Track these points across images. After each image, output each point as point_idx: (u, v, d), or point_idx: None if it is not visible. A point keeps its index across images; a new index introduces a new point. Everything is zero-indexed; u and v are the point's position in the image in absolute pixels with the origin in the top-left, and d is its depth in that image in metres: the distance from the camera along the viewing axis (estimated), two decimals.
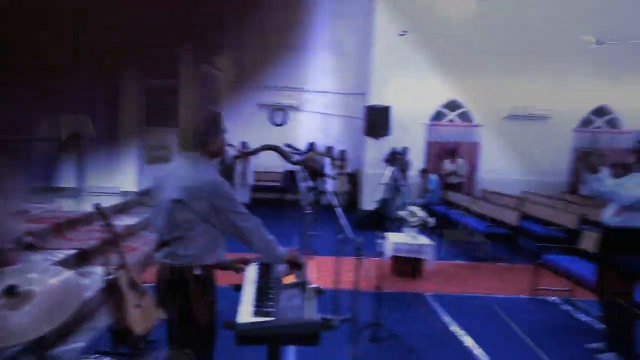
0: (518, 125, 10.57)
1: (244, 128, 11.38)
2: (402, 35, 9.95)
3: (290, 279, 2.17)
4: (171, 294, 2.18)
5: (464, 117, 10.84)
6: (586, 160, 3.75)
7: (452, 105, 10.81)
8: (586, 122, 10.89)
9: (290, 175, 11.41)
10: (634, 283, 3.57)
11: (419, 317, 4.55)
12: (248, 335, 1.70)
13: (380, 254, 5.95)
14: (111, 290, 3.38)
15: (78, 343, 3.65)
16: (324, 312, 3.98)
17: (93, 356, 1.94)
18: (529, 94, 10.40)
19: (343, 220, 3.42)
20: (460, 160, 10.13)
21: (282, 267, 2.41)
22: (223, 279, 2.47)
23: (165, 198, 2.13)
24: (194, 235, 2.12)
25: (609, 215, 3.72)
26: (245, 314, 1.82)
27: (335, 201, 3.99)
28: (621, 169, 4.11)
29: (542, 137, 10.55)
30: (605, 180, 3.66)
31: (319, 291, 2.27)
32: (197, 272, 2.13)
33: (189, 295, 2.14)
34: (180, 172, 2.15)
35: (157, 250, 2.23)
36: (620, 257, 3.56)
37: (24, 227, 5.03)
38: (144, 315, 3.16)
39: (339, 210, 3.70)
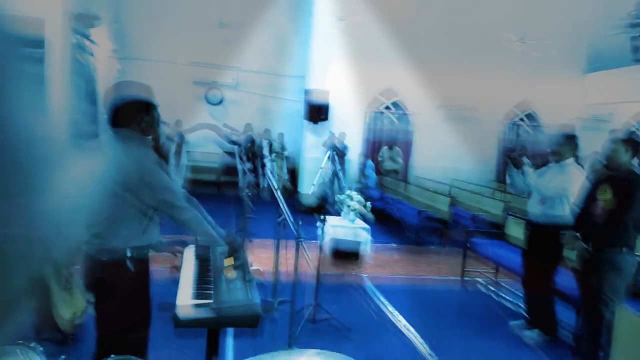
0: (449, 115, 10.99)
1: (179, 106, 10.96)
2: (341, 20, 9.95)
3: (229, 262, 2.12)
4: (100, 278, 2.04)
5: (399, 105, 11.11)
6: (511, 157, 4.08)
7: (389, 93, 11.03)
8: (510, 115, 11.58)
9: (228, 156, 11.16)
10: (554, 268, 3.87)
11: (355, 299, 4.65)
12: (187, 319, 1.64)
13: (319, 237, 6.05)
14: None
15: None
16: (263, 295, 3.96)
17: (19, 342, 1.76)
18: (460, 86, 10.81)
19: (283, 203, 3.40)
20: (397, 148, 10.40)
21: (221, 249, 2.35)
22: (159, 261, 2.37)
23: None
24: (124, 216, 1.99)
25: (532, 205, 4.00)
26: (184, 297, 1.75)
27: (274, 184, 3.95)
28: (539, 161, 4.45)
29: (471, 127, 11.05)
30: (528, 175, 3.98)
31: (258, 273, 2.24)
32: (128, 253, 2.01)
33: (120, 279, 2.01)
34: (112, 150, 2.01)
35: (85, 232, 2.07)
36: (543, 245, 3.85)
37: None
38: (70, 301, 2.98)
39: (278, 193, 3.67)
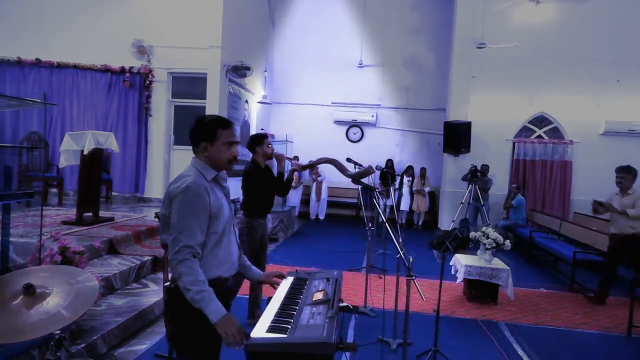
0: (617, 142, 9.53)
1: (321, 145, 11.53)
2: (481, 47, 9.49)
3: (318, 296, 2.08)
4: (174, 310, 2.04)
5: (554, 133, 10.03)
6: None
7: (541, 121, 10.07)
8: None
9: (366, 192, 11.29)
10: None
11: (486, 349, 4.18)
12: (257, 352, 1.63)
13: (452, 276, 5.65)
14: (169, 297, 3.51)
15: (140, 345, 3.80)
16: (380, 334, 3.80)
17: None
18: (627, 107, 9.40)
19: (396, 239, 3.25)
20: None
21: (315, 283, 2.33)
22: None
23: None
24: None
25: None
26: (260, 329, 1.75)
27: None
28: None
29: None
30: None
31: (350, 310, 2.15)
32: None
33: (189, 312, 1.88)
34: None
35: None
36: None
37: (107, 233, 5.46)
38: None
39: (389, 228, 3.53)
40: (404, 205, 11.08)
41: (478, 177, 8.94)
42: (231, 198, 2.27)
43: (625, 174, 5.45)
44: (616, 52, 9.36)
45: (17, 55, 8.28)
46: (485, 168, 9.29)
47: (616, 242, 5.56)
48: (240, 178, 4.25)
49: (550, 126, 10.03)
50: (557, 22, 9.50)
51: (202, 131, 2.06)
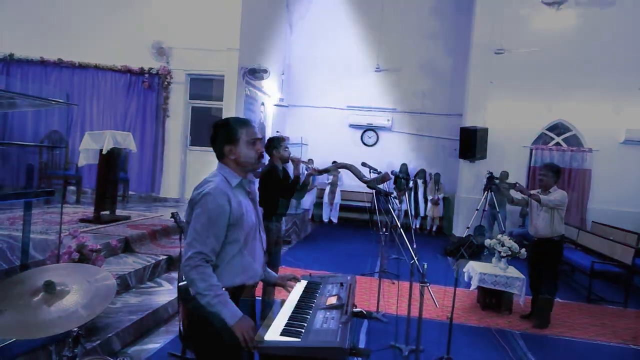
0: (637, 151, 9.35)
1: (336, 149, 11.53)
2: (499, 53, 9.40)
3: (331, 301, 2.08)
4: (191, 317, 2.01)
5: (572, 141, 9.88)
6: None
7: (559, 129, 9.93)
8: None
9: (379, 196, 11.24)
10: None
11: (502, 358, 4.13)
12: (270, 354, 1.64)
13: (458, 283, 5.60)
14: (183, 296, 3.54)
15: (153, 344, 3.84)
16: (393, 340, 3.78)
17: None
18: None
19: (409, 245, 3.24)
20: None
21: (329, 287, 2.33)
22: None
23: None
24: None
25: None
26: (274, 332, 1.76)
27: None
28: None
29: None
30: None
31: (363, 315, 2.15)
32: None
33: (208, 320, 1.87)
34: None
35: None
36: None
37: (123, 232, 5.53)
38: None
39: (402, 234, 3.52)
40: (421, 211, 11.05)
41: (495, 183, 8.83)
42: None
43: (547, 171, 5.04)
44: (637, 59, 9.19)
45: (40, 55, 8.45)
46: (504, 174, 9.19)
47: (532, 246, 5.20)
48: (256, 180, 4.27)
49: (569, 134, 9.88)
50: (577, 29, 9.36)
51: (224, 134, 2.04)
